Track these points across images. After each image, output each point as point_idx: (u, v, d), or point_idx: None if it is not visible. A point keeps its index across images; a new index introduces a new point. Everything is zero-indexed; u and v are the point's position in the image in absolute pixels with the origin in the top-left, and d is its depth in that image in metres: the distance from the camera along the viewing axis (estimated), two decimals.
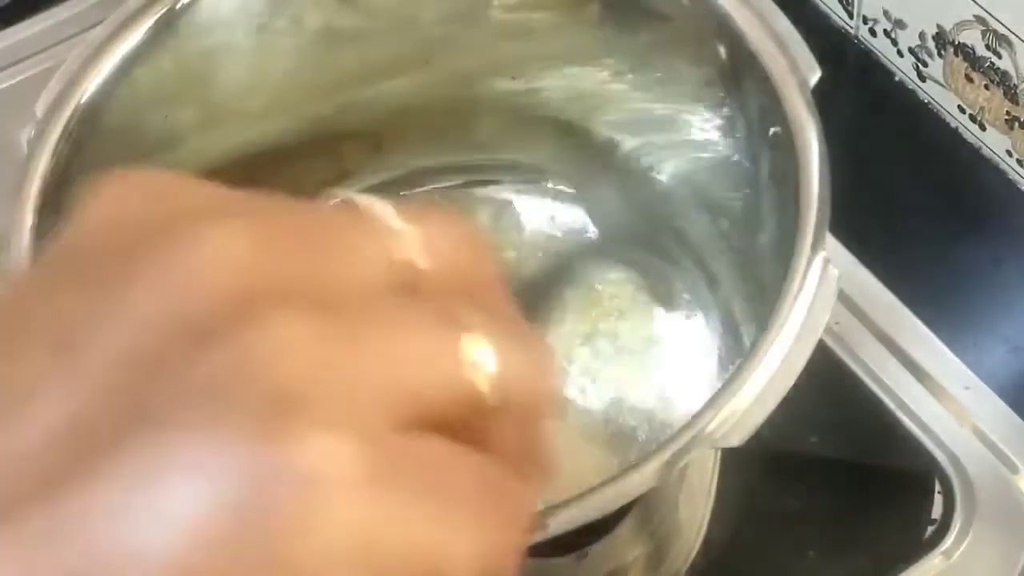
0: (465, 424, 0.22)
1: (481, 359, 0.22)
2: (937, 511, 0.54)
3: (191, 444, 0.19)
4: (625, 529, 0.48)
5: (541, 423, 0.24)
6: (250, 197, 0.23)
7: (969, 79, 0.61)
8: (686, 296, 0.58)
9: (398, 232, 0.23)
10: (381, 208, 0.23)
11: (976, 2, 0.57)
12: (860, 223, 0.55)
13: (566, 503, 0.37)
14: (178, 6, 0.49)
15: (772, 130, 0.45)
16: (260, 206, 0.22)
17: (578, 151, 0.60)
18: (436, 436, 0.21)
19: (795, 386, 0.39)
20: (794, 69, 0.45)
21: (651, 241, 0.59)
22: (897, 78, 0.66)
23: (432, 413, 0.21)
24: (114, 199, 0.23)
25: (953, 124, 0.64)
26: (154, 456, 0.19)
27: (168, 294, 0.20)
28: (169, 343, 0.20)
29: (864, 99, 0.67)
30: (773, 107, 0.45)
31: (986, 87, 0.60)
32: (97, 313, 0.21)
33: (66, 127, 0.46)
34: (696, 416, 0.38)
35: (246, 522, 0.19)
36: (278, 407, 0.19)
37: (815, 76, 0.44)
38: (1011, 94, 0.59)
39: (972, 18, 0.58)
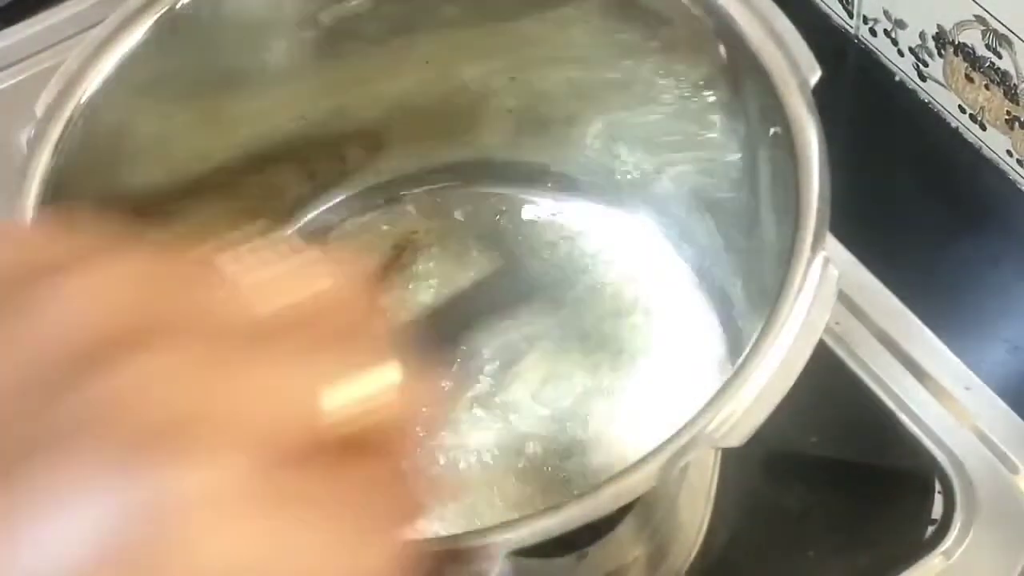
0: (335, 449, 0.23)
1: (346, 395, 0.23)
2: (937, 511, 0.54)
3: (74, 474, 0.20)
4: (625, 529, 0.48)
5: (411, 449, 0.25)
6: (122, 244, 0.24)
7: (969, 79, 0.61)
8: (686, 296, 0.58)
9: (273, 278, 0.24)
10: (257, 252, 0.24)
11: (976, 2, 0.57)
12: (860, 223, 0.55)
13: (566, 503, 0.37)
14: (178, 5, 0.49)
15: (772, 130, 0.45)
16: (133, 252, 0.23)
17: (578, 151, 0.60)
18: (303, 463, 0.22)
19: (795, 386, 0.39)
20: (794, 69, 0.45)
21: (651, 241, 0.59)
22: (897, 78, 0.65)
23: (300, 443, 0.22)
24: None
25: (953, 124, 0.64)
26: (28, 493, 0.20)
27: (45, 334, 0.21)
28: (45, 381, 0.21)
29: (864, 99, 0.67)
30: (773, 107, 0.44)
31: (986, 87, 0.60)
32: None
33: (66, 127, 0.46)
34: (696, 416, 0.38)
35: (126, 549, 0.20)
36: (156, 435, 0.20)
37: (815, 76, 0.44)
38: (1011, 94, 0.59)
39: (972, 18, 0.58)
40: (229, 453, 0.21)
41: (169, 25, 0.48)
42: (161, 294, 0.23)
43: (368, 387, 0.23)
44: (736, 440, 0.38)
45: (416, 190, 0.62)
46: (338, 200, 0.61)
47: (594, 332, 0.57)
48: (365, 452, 0.23)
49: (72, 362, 0.21)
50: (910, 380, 0.57)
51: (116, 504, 0.20)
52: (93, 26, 0.48)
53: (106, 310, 0.22)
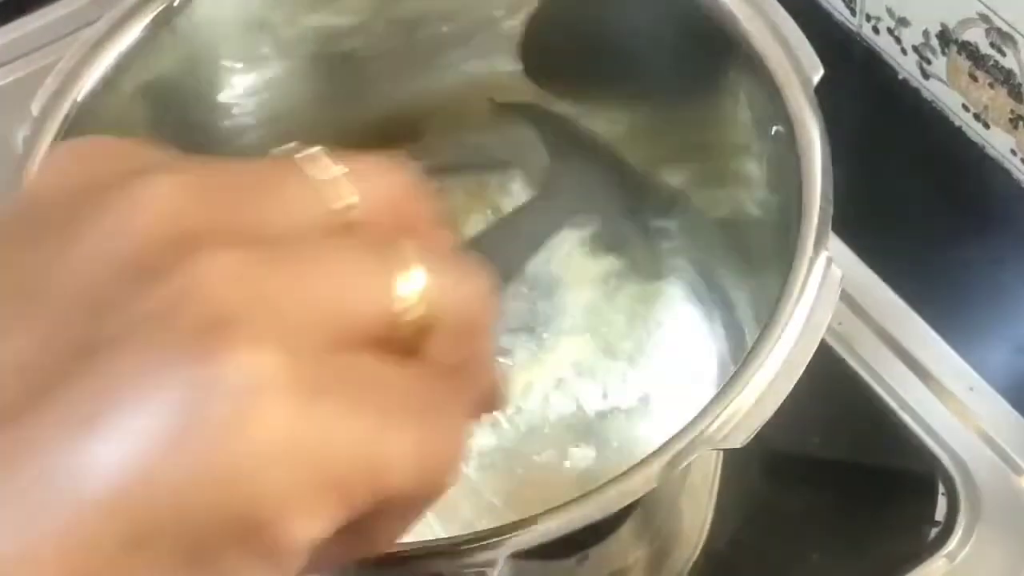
0: (402, 340, 0.24)
1: (412, 285, 0.24)
2: (941, 513, 0.53)
3: (136, 367, 0.21)
4: (626, 531, 0.48)
5: (479, 340, 0.26)
6: (186, 157, 0.25)
7: (973, 77, 0.60)
8: (689, 296, 0.57)
9: (334, 178, 0.25)
10: (318, 156, 0.25)
11: (980, 0, 0.57)
12: (863, 222, 0.55)
13: (567, 504, 0.37)
14: (176, 3, 0.48)
15: (775, 128, 0.45)
16: (196, 163, 0.24)
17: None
18: (369, 351, 0.23)
19: (797, 387, 0.39)
20: (797, 67, 0.44)
21: (654, 241, 0.59)
22: (901, 76, 0.65)
23: (366, 333, 0.23)
24: (61, 164, 0.25)
25: (957, 123, 0.63)
26: (102, 382, 0.21)
27: (111, 240, 0.23)
28: (114, 283, 0.22)
29: (867, 98, 0.66)
30: (775, 105, 0.44)
31: (990, 85, 0.60)
32: (49, 262, 0.23)
33: (62, 126, 0.46)
34: (698, 417, 0.38)
35: (186, 432, 0.21)
36: (213, 328, 0.21)
37: (818, 74, 0.44)
38: (1015, 93, 0.58)
39: (975, 16, 0.58)
40: (286, 339, 0.22)
41: (166, 22, 0.48)
42: (226, 197, 0.24)
43: (437, 283, 0.24)
44: (738, 441, 0.38)
45: None
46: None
47: (595, 333, 0.57)
48: (430, 346, 0.24)
49: (135, 268, 0.22)
50: (913, 380, 0.57)
51: (171, 393, 0.21)
52: (89, 24, 0.48)
53: (168, 215, 0.23)
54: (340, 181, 0.25)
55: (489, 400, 0.28)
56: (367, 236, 0.24)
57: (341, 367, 0.23)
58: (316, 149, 0.25)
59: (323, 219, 0.24)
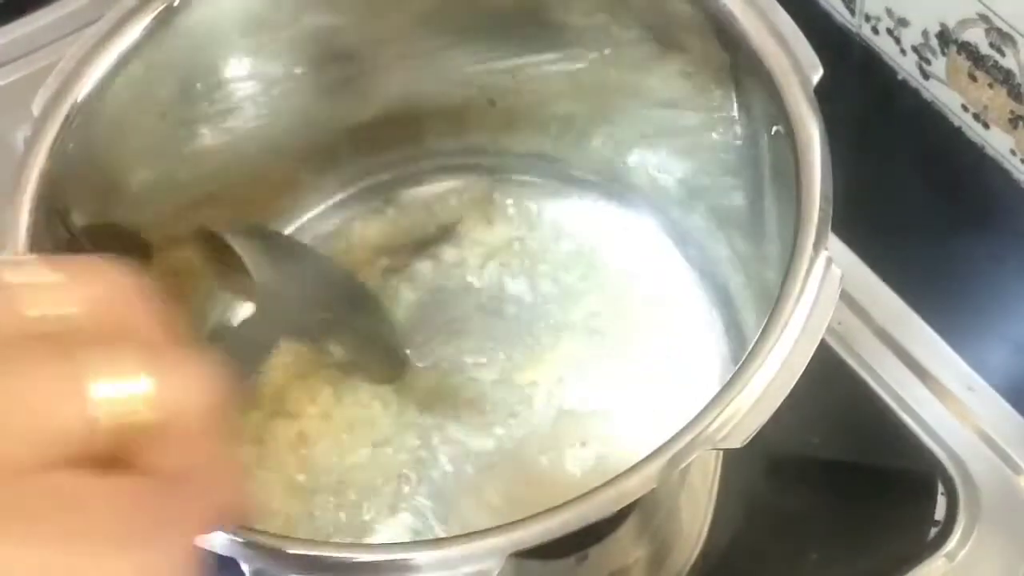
0: (116, 451, 0.22)
1: (118, 390, 0.22)
2: (940, 513, 0.53)
3: None
4: (626, 531, 0.48)
5: (208, 445, 0.24)
6: None
7: (972, 78, 0.60)
8: (689, 296, 0.57)
9: (48, 284, 0.23)
10: (27, 263, 0.24)
11: (979, 0, 0.57)
12: (863, 222, 0.55)
13: (567, 504, 0.37)
14: (176, 3, 0.48)
15: (774, 128, 0.45)
16: None
17: (580, 151, 0.59)
18: (69, 469, 0.21)
19: (797, 387, 0.39)
20: (796, 67, 0.44)
21: (654, 241, 0.59)
22: (900, 77, 0.65)
23: (62, 449, 0.22)
24: None
25: (956, 123, 0.63)
26: None
27: None
28: None
29: (867, 98, 0.66)
30: (775, 106, 0.44)
31: (989, 86, 0.60)
32: None
33: (63, 126, 0.46)
34: (697, 417, 0.38)
35: None
36: None
37: (817, 74, 0.44)
38: (1015, 93, 0.58)
39: (975, 16, 0.58)
40: None
41: (167, 22, 0.48)
42: None
43: (135, 389, 0.23)
44: (737, 441, 0.38)
45: (415, 189, 0.61)
46: (337, 199, 0.61)
47: (596, 333, 0.57)
48: (151, 455, 0.23)
49: None
50: (913, 380, 0.57)
51: None
52: (90, 24, 0.48)
53: None
54: (53, 288, 0.23)
55: (228, 511, 0.25)
56: (63, 348, 0.23)
57: (35, 492, 0.21)
58: (30, 257, 0.24)
59: (21, 327, 0.23)
